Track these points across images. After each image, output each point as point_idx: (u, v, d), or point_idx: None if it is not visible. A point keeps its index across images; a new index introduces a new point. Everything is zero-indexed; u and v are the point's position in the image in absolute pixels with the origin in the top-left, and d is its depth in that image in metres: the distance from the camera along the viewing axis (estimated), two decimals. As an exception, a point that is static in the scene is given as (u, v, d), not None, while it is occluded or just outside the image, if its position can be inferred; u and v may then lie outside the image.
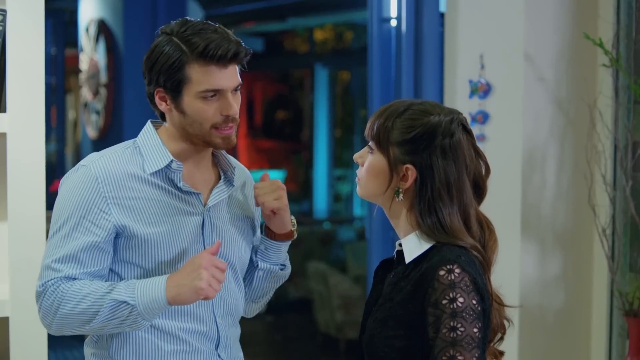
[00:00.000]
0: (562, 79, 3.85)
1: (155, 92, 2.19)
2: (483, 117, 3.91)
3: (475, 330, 1.99)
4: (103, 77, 7.45)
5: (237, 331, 2.39)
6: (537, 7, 3.79)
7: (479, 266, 2.08)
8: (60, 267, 2.13)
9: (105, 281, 2.17)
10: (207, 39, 2.12)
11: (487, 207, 3.85)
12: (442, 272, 2.00)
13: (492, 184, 3.86)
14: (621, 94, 3.73)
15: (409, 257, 2.10)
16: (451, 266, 2.01)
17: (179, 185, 2.21)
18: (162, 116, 2.25)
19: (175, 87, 2.14)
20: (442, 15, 4.35)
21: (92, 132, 7.79)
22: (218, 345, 2.29)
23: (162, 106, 2.19)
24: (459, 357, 1.97)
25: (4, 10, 2.52)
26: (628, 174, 3.64)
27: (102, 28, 7.45)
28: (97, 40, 7.54)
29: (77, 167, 2.21)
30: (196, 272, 2.08)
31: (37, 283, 2.16)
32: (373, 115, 2.17)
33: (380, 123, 2.13)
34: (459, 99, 4.03)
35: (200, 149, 2.24)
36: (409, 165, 2.09)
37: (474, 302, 2.00)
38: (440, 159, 2.09)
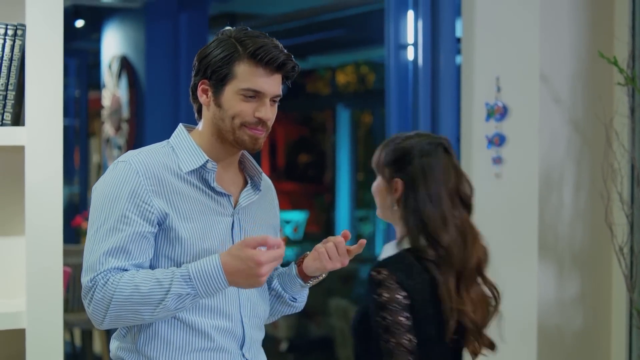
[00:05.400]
0: (578, 99, 3.85)
1: (199, 84, 2.27)
2: (500, 140, 3.92)
3: (400, 318, 2.52)
4: (125, 113, 7.52)
5: (261, 334, 2.40)
6: (552, 28, 3.81)
7: (419, 270, 2.59)
8: (109, 260, 2.14)
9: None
10: (261, 42, 2.22)
11: (505, 228, 3.87)
12: (373, 273, 2.55)
13: (509, 204, 3.90)
14: (637, 113, 3.73)
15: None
16: (381, 269, 2.56)
17: (212, 185, 2.26)
18: (199, 112, 2.32)
19: (220, 81, 2.22)
20: (458, 40, 4.38)
21: (114, 168, 7.83)
22: (243, 345, 2.30)
23: (202, 98, 2.27)
24: (392, 340, 2.52)
25: (24, 25, 2.55)
26: (645, 191, 3.63)
27: (125, 64, 7.54)
28: (119, 76, 7.62)
29: (114, 164, 2.25)
30: (254, 272, 2.09)
31: (84, 279, 2.16)
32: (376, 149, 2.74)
33: (377, 153, 2.72)
34: (475, 122, 4.04)
35: (229, 151, 2.29)
36: (397, 179, 2.65)
37: (398, 296, 2.53)
38: (420, 174, 2.63)
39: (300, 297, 2.49)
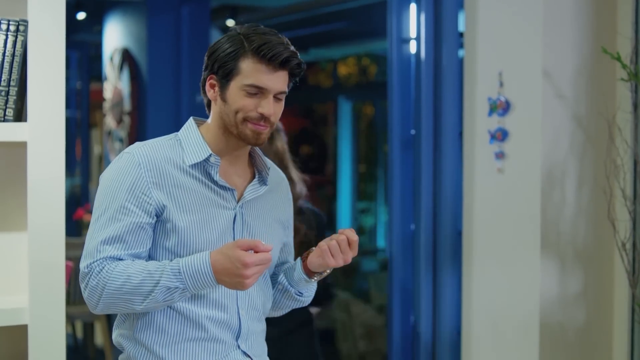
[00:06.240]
0: (580, 95, 3.85)
1: (207, 79, 2.32)
2: (502, 135, 3.92)
3: None
4: (127, 105, 7.51)
5: (260, 326, 2.43)
6: (555, 23, 3.80)
7: None
8: (106, 248, 2.21)
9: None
10: (266, 39, 2.24)
11: (507, 224, 3.87)
12: None
13: (511, 200, 3.89)
14: (640, 109, 3.74)
15: None
16: None
17: (215, 178, 2.29)
18: (208, 106, 2.37)
19: (225, 76, 2.26)
20: (461, 34, 4.38)
21: (115, 161, 7.81)
22: (239, 336, 2.33)
23: (210, 93, 2.32)
24: None
25: (26, 21, 2.54)
26: (647, 187, 3.63)
27: (126, 57, 7.52)
28: (121, 68, 7.60)
29: (120, 155, 2.31)
30: (240, 272, 2.12)
31: (82, 264, 2.22)
32: None
33: None
34: (478, 117, 4.04)
35: (235, 145, 2.32)
36: None
37: None
38: None
39: (307, 292, 2.51)
